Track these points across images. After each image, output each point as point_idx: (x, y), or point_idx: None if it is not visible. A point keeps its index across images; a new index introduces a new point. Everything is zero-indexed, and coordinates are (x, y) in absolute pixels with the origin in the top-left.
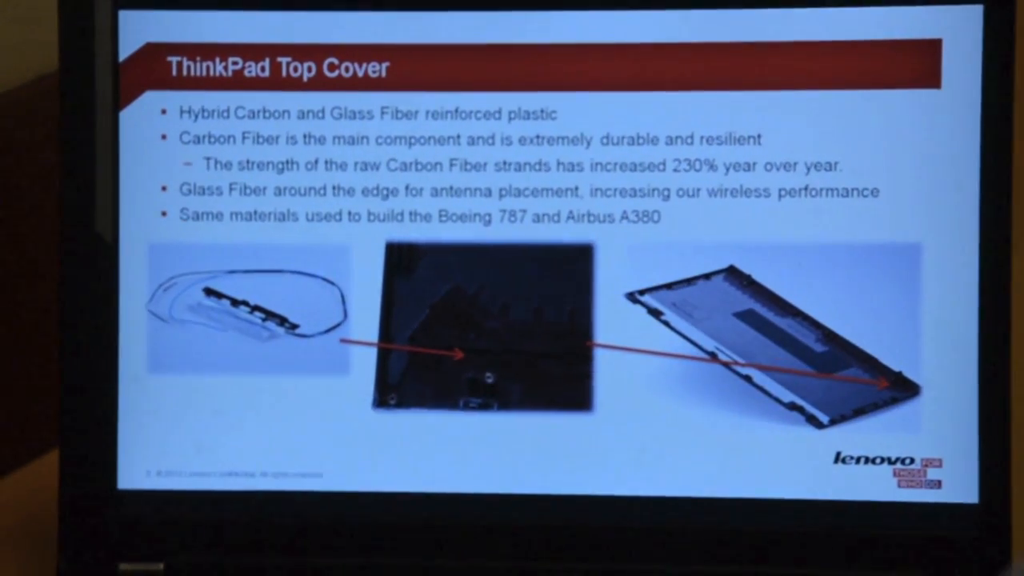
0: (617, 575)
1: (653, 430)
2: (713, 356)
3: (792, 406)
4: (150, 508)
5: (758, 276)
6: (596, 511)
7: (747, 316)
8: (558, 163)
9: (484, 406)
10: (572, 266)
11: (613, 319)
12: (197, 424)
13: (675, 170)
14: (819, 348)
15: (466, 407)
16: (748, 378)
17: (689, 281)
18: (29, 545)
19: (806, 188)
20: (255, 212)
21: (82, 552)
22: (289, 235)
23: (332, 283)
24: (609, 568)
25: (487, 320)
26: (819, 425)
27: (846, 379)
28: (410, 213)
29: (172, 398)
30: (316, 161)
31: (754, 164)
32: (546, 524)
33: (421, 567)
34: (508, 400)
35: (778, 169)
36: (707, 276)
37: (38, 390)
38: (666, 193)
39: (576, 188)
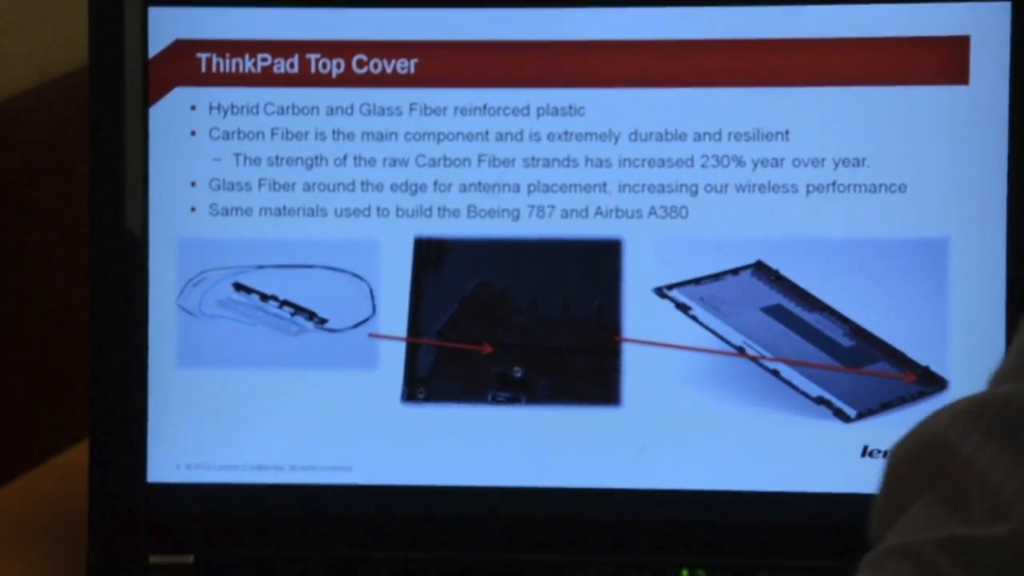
0: (644, 567)
1: (680, 424)
2: (741, 351)
3: (819, 400)
4: (180, 501)
5: (786, 271)
6: (623, 504)
7: (775, 311)
8: (586, 159)
9: (512, 400)
10: (600, 261)
11: (641, 314)
12: (227, 418)
13: (703, 166)
14: (846, 343)
15: (494, 401)
16: (775, 372)
17: (717, 276)
18: (59, 537)
19: (834, 184)
20: (284, 207)
21: (112, 544)
22: (318, 230)
23: (361, 278)
24: (636, 560)
25: (515, 315)
26: (846, 419)
27: (873, 373)
28: (439, 208)
29: (202, 392)
30: (345, 157)
31: (782, 160)
32: (573, 517)
33: (449, 560)
34: (536, 394)
35: (806, 165)
36: (735, 271)
37: (67, 382)
38: (694, 189)
39: (604, 184)
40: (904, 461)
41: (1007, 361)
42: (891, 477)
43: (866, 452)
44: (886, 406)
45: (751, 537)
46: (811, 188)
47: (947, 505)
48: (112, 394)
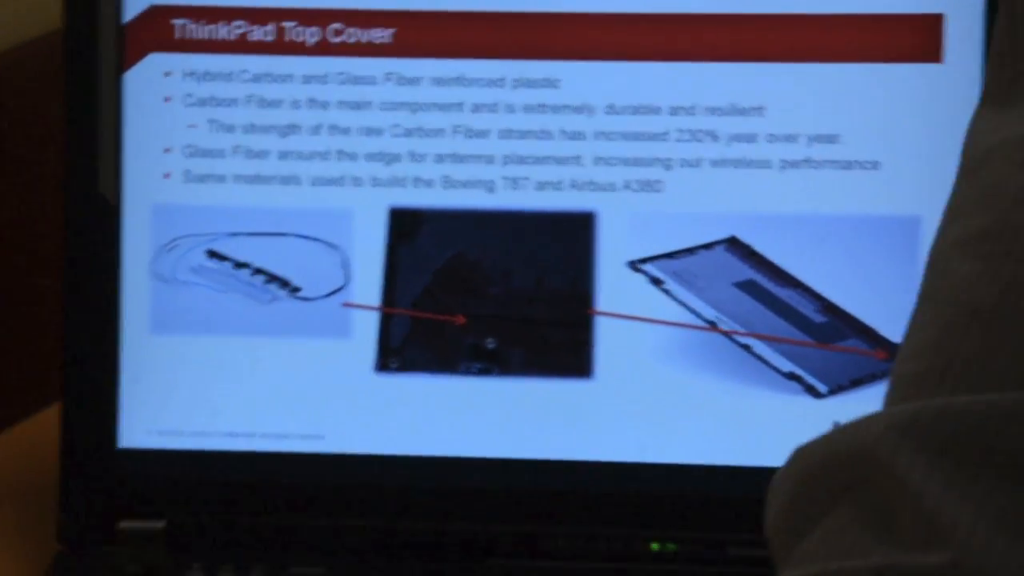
0: (614, 540)
1: (652, 397)
2: (713, 325)
3: (791, 375)
4: (151, 466)
5: (759, 247)
6: (594, 476)
7: (747, 286)
8: (561, 131)
9: (485, 371)
10: (574, 234)
11: (614, 287)
12: (199, 384)
13: (677, 140)
14: (818, 319)
15: (467, 372)
16: (747, 347)
17: (690, 251)
18: (28, 501)
19: (807, 160)
20: (258, 175)
21: (82, 509)
22: (292, 199)
23: (335, 247)
24: (606, 533)
25: (489, 286)
26: (817, 395)
27: (845, 350)
28: (413, 179)
29: (174, 358)
30: (320, 126)
31: (756, 135)
32: (544, 489)
33: (419, 529)
34: (509, 365)
35: (780, 141)
36: (708, 246)
37: (36, 347)
38: (668, 163)
39: (579, 157)
40: (817, 466)
41: (922, 359)
42: (800, 481)
43: None
44: (857, 383)
45: (721, 511)
46: (785, 164)
47: (875, 527)
48: (83, 359)
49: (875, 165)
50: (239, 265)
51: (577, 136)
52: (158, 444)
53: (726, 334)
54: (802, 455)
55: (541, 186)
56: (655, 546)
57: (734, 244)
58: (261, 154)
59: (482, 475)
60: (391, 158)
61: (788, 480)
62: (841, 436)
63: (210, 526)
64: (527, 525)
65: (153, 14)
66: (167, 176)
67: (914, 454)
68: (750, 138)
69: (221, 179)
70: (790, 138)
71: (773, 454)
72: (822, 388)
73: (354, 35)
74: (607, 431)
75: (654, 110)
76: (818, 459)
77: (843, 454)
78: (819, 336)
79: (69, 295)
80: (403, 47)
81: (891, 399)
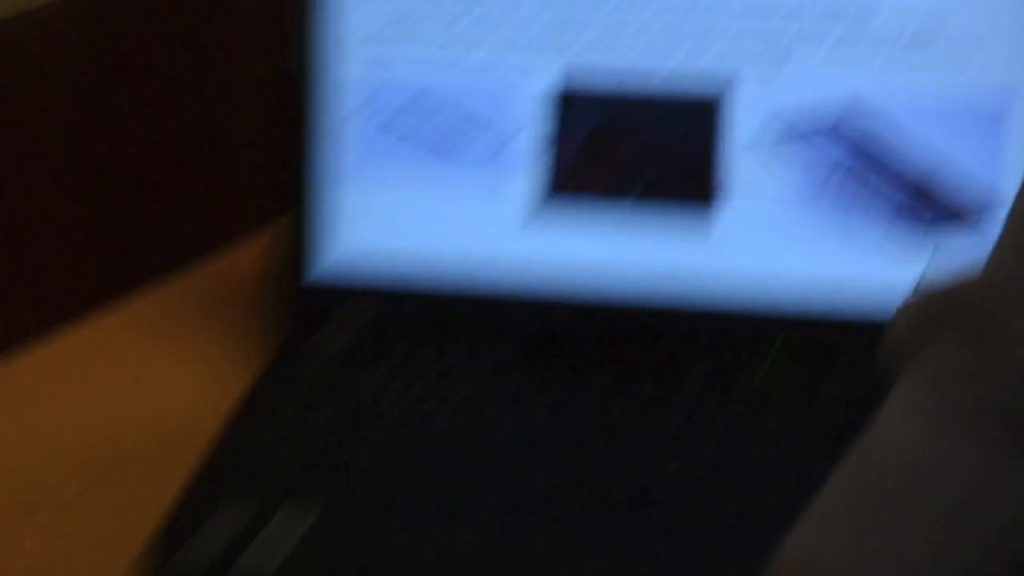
0: (718, 372)
1: (766, 256)
2: (821, 202)
3: (888, 246)
4: (337, 298)
5: (875, 129)
6: (709, 321)
7: (857, 169)
8: (695, 6)
9: (638, 203)
10: (702, 110)
11: (735, 165)
12: (383, 226)
13: (804, 20)
14: (915, 201)
15: (609, 221)
16: (852, 223)
17: (806, 132)
18: (231, 322)
19: (922, 39)
20: (431, 55)
21: (275, 327)
22: (460, 75)
23: (496, 117)
24: (712, 367)
25: (625, 159)
26: (908, 266)
27: (939, 229)
28: (565, 62)
29: (358, 204)
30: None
31: (877, 15)
32: (663, 329)
33: (556, 369)
34: (645, 194)
35: (899, 20)
36: (824, 128)
37: (261, 167)
38: (795, 41)
39: (710, 32)
40: (932, 302)
41: None
42: (915, 316)
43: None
44: (945, 260)
45: (818, 355)
46: (902, 44)
47: (978, 347)
48: (283, 202)
49: (978, 44)
50: (416, 132)
51: (710, 10)
52: (345, 281)
53: (834, 211)
54: (916, 299)
55: (673, 68)
56: (758, 380)
57: (848, 125)
58: (432, 34)
59: (621, 321)
60: (544, 45)
61: (905, 315)
62: (951, 285)
63: (386, 353)
64: (652, 351)
65: None
66: (346, 52)
67: (1016, 305)
68: (871, 18)
69: (399, 55)
70: (906, 16)
71: (863, 309)
72: (914, 259)
73: None
74: (722, 283)
75: None
76: (934, 298)
77: (952, 297)
78: (917, 214)
79: (276, 148)
80: None
81: (992, 260)
